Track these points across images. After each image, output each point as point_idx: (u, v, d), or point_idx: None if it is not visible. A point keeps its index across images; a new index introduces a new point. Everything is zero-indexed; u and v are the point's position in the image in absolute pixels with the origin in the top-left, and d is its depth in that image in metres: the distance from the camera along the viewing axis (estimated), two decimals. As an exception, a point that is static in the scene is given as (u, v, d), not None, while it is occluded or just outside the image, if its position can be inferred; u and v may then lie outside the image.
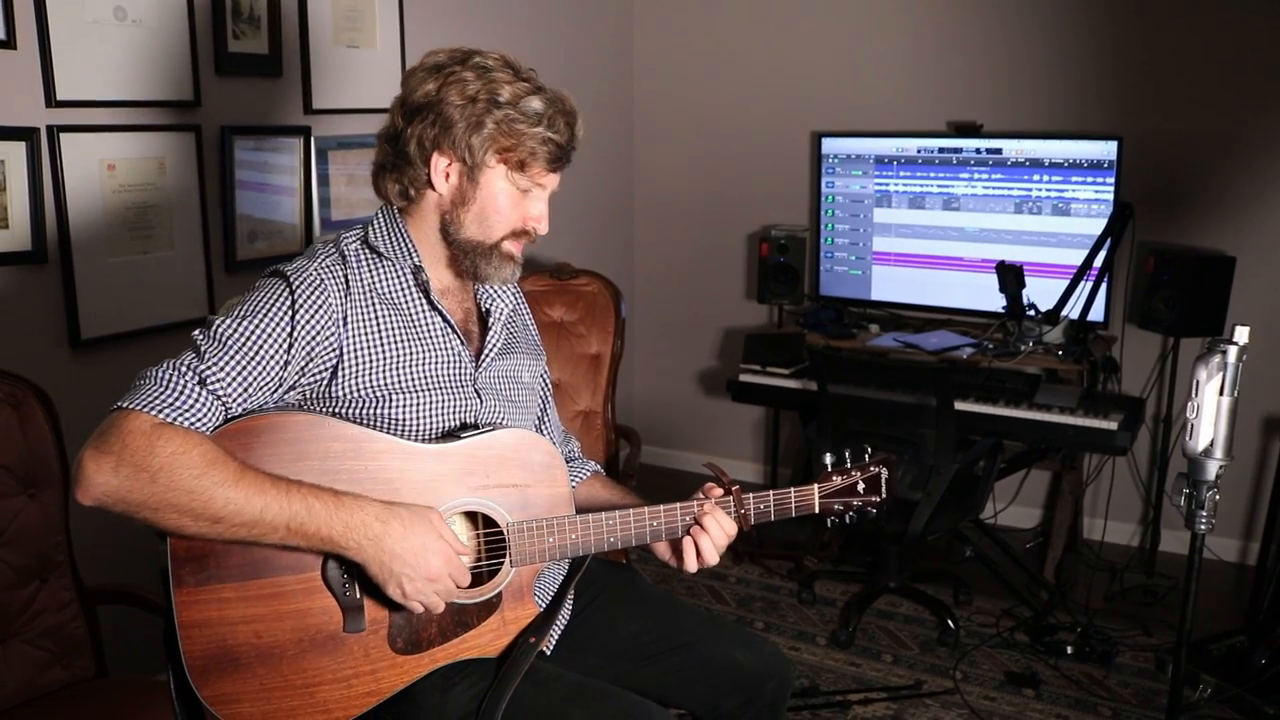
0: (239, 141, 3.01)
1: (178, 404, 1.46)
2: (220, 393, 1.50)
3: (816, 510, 1.84)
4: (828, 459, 1.86)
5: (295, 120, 3.19)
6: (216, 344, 1.53)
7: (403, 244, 1.71)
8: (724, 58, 4.64)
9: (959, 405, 3.30)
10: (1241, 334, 1.82)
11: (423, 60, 1.69)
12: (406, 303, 1.70)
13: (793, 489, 1.82)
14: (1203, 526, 1.91)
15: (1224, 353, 1.82)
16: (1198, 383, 1.83)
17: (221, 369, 1.51)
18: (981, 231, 4.02)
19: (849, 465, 1.86)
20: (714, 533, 1.73)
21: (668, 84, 4.80)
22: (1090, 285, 3.63)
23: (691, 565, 1.74)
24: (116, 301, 2.76)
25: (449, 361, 1.71)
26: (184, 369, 1.50)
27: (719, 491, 1.77)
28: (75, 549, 2.26)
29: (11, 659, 2.13)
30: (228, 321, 1.55)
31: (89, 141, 2.65)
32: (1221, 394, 1.83)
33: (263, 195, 3.12)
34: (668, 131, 4.84)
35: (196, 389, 1.48)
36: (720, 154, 4.72)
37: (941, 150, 4.04)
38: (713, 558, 1.74)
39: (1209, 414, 1.83)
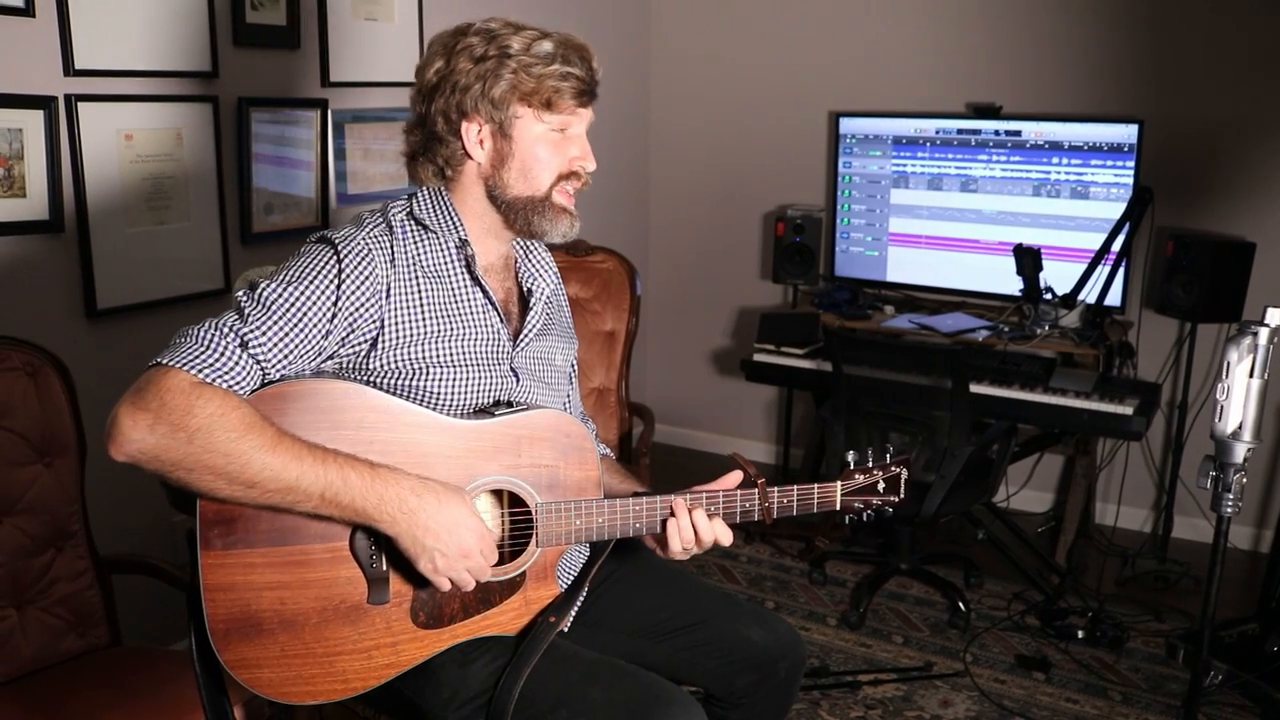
0: (256, 113, 3.00)
1: (217, 365, 1.45)
2: (260, 357, 1.49)
3: (838, 507, 1.84)
4: (850, 457, 1.86)
5: (313, 93, 3.18)
6: (260, 307, 1.52)
7: (448, 217, 1.71)
8: (742, 36, 4.61)
9: (974, 388, 3.29)
10: (1274, 316, 1.80)
11: (428, 46, 1.71)
12: (450, 276, 1.69)
13: (816, 485, 1.81)
14: (1229, 510, 1.89)
15: (1255, 335, 1.80)
16: (1228, 364, 1.81)
17: (264, 333, 1.50)
18: (999, 214, 3.99)
19: (871, 464, 1.86)
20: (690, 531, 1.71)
21: (684, 61, 4.77)
22: (1108, 269, 3.61)
23: (677, 552, 1.72)
24: (133, 272, 2.76)
25: (488, 339, 1.71)
26: (226, 329, 1.49)
27: (736, 478, 1.76)
28: (91, 518, 2.27)
29: (27, 626, 2.14)
30: (273, 285, 1.54)
31: (107, 111, 2.65)
32: (1251, 376, 1.81)
33: (279, 168, 3.11)
34: (684, 109, 4.81)
35: (237, 351, 1.47)
36: (737, 133, 4.69)
37: (960, 132, 4.01)
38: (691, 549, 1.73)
39: (1238, 396, 1.82)
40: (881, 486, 1.85)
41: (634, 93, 4.78)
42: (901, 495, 1.87)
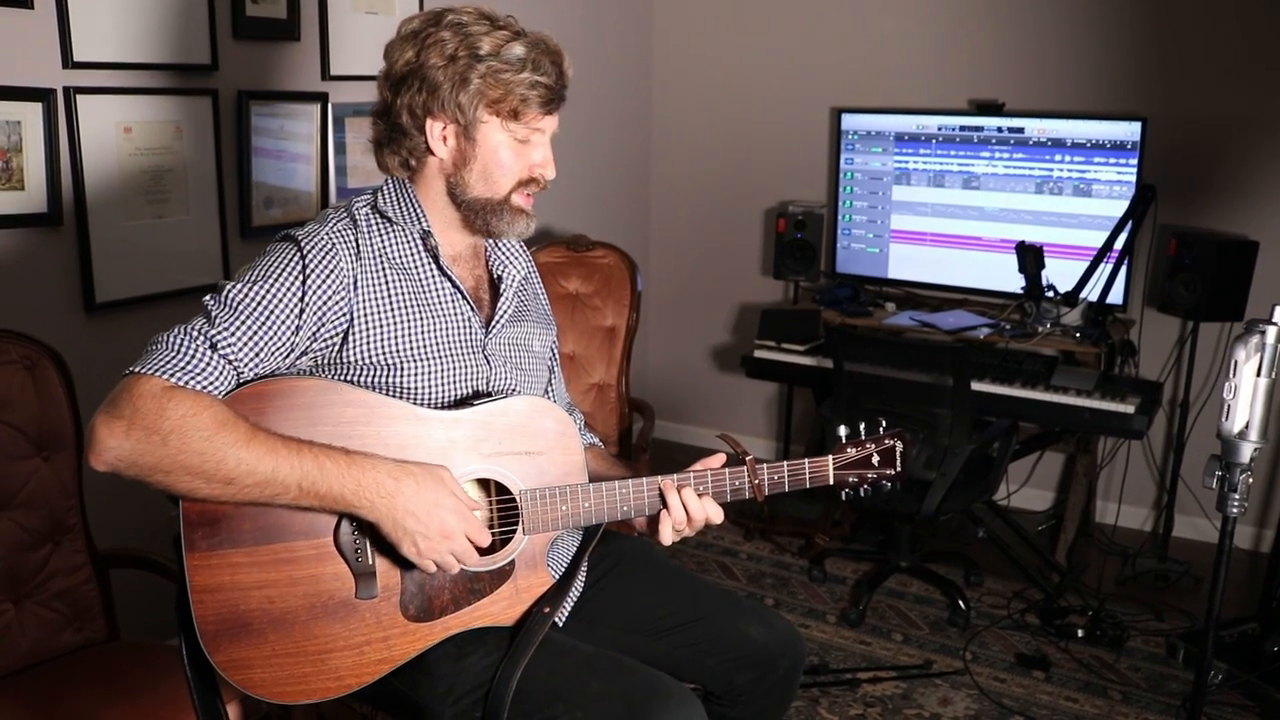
0: (256, 107, 2.98)
1: (189, 368, 1.45)
2: (231, 357, 1.49)
3: (830, 482, 1.81)
4: (842, 431, 1.84)
5: (312, 86, 3.16)
6: (227, 309, 1.52)
7: (411, 209, 1.71)
8: (744, 32, 4.59)
9: (975, 386, 3.28)
10: None
11: (399, 29, 1.68)
12: (416, 268, 1.69)
13: (806, 460, 1.79)
14: (1235, 510, 1.88)
15: (1263, 333, 1.79)
16: (1236, 363, 1.80)
17: (233, 333, 1.50)
18: (1001, 211, 3.98)
19: (863, 437, 1.84)
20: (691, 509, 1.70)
21: (686, 57, 4.75)
22: (1110, 267, 3.59)
23: (667, 537, 1.71)
24: (131, 265, 2.75)
25: (458, 327, 1.71)
26: (195, 333, 1.49)
27: (721, 459, 1.75)
28: (88, 512, 2.26)
29: (24, 621, 2.13)
30: (239, 286, 1.55)
31: (105, 104, 2.63)
32: (1259, 375, 1.80)
33: (279, 161, 3.10)
34: (686, 105, 4.80)
35: (208, 353, 1.48)
36: (739, 128, 4.68)
37: (962, 128, 4.00)
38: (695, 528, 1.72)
39: (1245, 395, 1.81)
40: (876, 460, 1.83)
41: (636, 88, 4.76)
42: (898, 468, 1.84)
